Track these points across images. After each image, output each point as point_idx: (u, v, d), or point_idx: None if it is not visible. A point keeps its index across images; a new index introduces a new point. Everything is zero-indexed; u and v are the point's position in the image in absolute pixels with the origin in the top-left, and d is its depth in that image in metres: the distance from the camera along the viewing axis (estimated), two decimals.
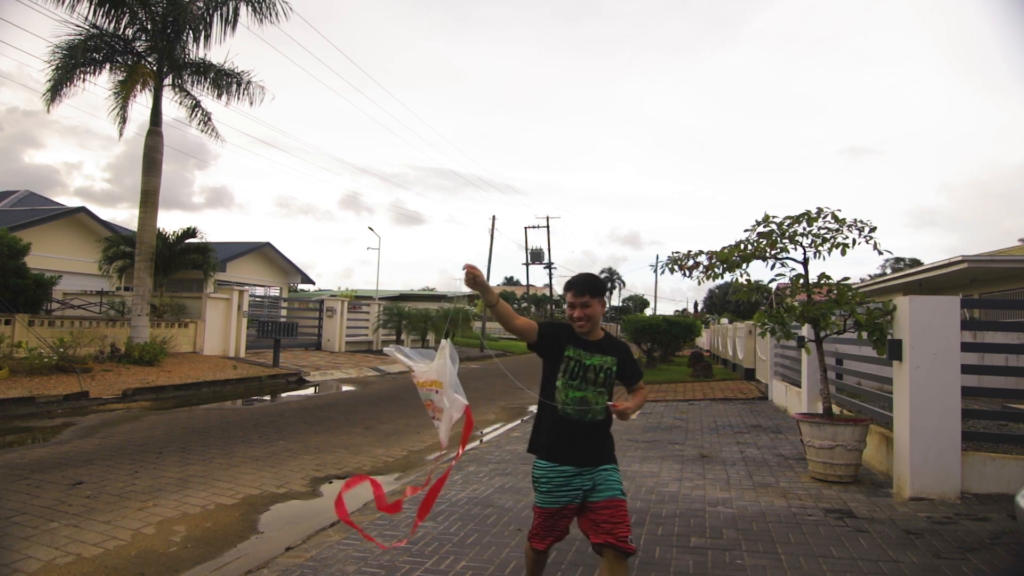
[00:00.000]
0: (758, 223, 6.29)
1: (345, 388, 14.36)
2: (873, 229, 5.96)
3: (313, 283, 39.13)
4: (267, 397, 12.77)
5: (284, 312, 24.00)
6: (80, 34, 14.42)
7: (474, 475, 6.00)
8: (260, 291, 30.01)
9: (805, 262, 6.11)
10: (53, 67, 14.40)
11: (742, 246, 6.28)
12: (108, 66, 15.19)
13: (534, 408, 12.47)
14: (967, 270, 12.77)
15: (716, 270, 6.42)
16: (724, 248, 6.38)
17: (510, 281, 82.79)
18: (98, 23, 14.40)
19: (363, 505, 5.13)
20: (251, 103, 16.33)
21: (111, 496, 5.23)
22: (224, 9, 14.86)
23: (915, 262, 47.67)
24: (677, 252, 6.75)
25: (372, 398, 12.39)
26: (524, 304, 55.42)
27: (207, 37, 14.96)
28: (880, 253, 6.07)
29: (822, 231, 6.02)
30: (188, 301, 18.41)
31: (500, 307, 2.54)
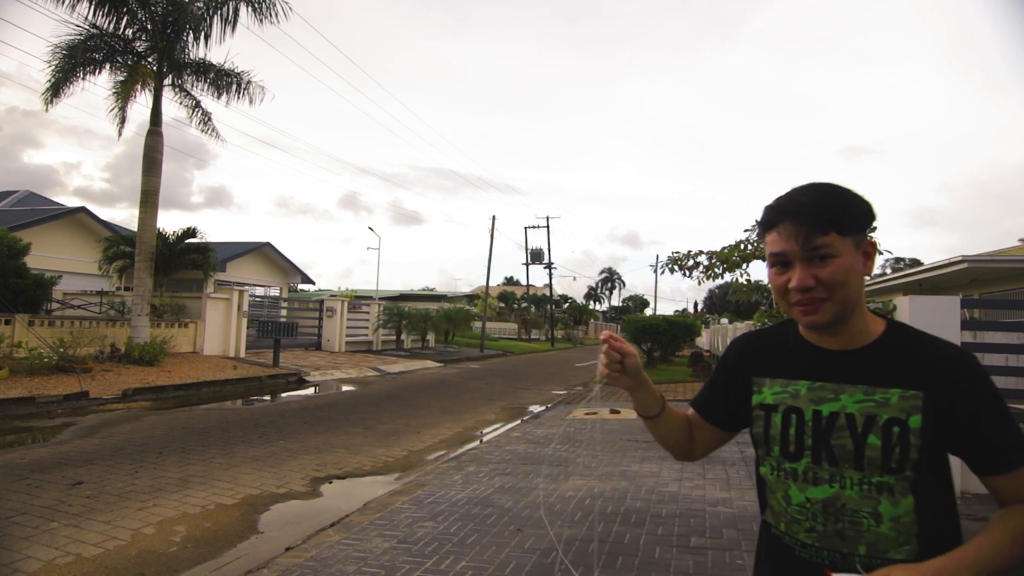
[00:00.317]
0: (758, 223, 6.30)
1: (345, 388, 14.36)
2: (873, 229, 5.96)
3: (313, 283, 39.15)
4: (267, 397, 12.77)
5: (284, 312, 23.99)
6: (80, 34, 14.42)
7: (474, 475, 6.00)
8: (260, 291, 30.01)
9: None
10: (53, 67, 14.41)
11: (742, 246, 6.29)
12: (108, 66, 15.18)
13: (534, 408, 12.35)
14: (967, 270, 12.77)
15: (716, 270, 6.44)
16: (724, 248, 6.39)
17: (510, 281, 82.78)
18: (98, 23, 14.40)
19: (363, 505, 5.14)
20: (251, 103, 16.33)
21: (111, 496, 5.23)
22: (224, 9, 14.86)
23: (915, 262, 47.68)
24: (677, 252, 6.78)
25: (372, 398, 12.40)
26: (524, 304, 55.44)
27: (207, 37, 14.96)
28: (880, 253, 6.08)
29: None
30: (188, 301, 18.41)
31: (667, 415, 1.38)
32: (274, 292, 32.36)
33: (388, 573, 3.56)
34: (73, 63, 14.42)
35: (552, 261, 49.59)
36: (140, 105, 22.71)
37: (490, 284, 38.47)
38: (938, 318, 5.17)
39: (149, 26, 14.92)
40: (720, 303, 63.93)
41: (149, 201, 15.11)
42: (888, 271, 34.30)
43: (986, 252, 14.39)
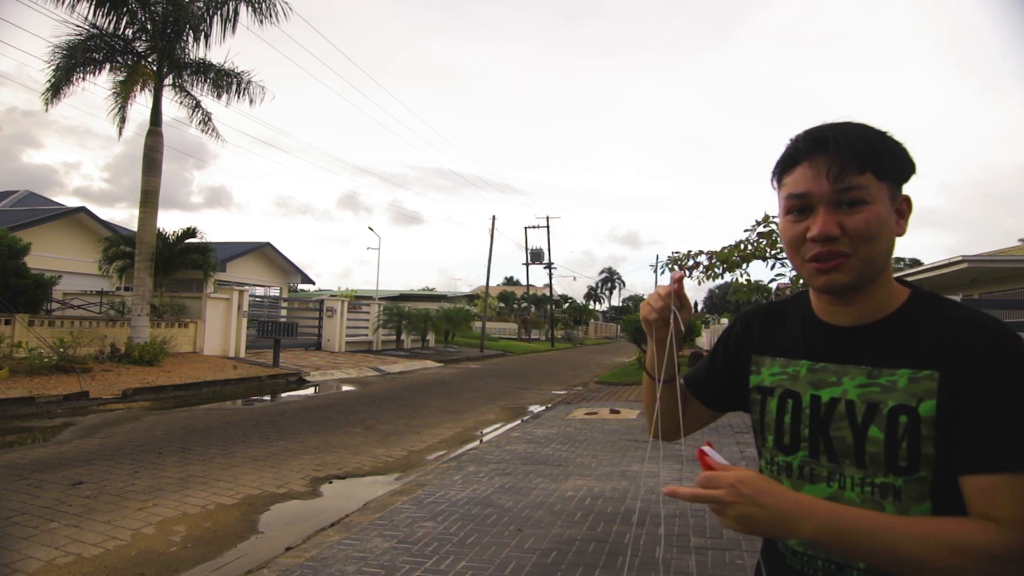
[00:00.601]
0: (758, 223, 6.30)
1: (345, 388, 14.36)
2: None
3: (313, 283, 39.14)
4: (267, 397, 12.77)
5: (284, 312, 23.99)
6: (80, 34, 14.42)
7: (474, 475, 6.00)
8: (260, 291, 30.00)
9: None
10: (53, 67, 14.42)
11: (742, 246, 6.29)
12: (108, 66, 15.19)
13: (534, 408, 12.37)
14: (967, 270, 12.77)
15: (716, 270, 6.44)
16: (724, 248, 6.39)
17: (510, 281, 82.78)
18: (98, 23, 14.40)
19: (363, 505, 5.14)
20: (251, 103, 16.33)
21: (111, 496, 5.23)
22: (224, 9, 14.86)
23: (915, 262, 47.67)
24: (677, 252, 6.78)
25: (372, 398, 12.39)
26: (524, 304, 55.43)
27: (207, 37, 14.97)
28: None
29: None
30: (188, 301, 18.41)
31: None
32: (274, 292, 32.35)
33: (388, 573, 3.56)
34: (73, 63, 14.42)
35: (552, 261, 49.60)
36: (140, 105, 22.76)
37: (490, 284, 38.47)
38: None
39: (149, 26, 14.92)
40: (720, 303, 63.96)
41: (149, 201, 15.11)
42: None
43: (986, 252, 14.39)
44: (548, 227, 47.57)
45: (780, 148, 1.00)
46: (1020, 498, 0.83)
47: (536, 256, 51.34)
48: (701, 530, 4.31)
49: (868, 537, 0.85)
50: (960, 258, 12.59)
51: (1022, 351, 0.88)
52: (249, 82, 16.18)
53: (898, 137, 0.95)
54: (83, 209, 25.06)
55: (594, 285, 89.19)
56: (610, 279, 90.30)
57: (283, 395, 13.00)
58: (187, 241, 19.90)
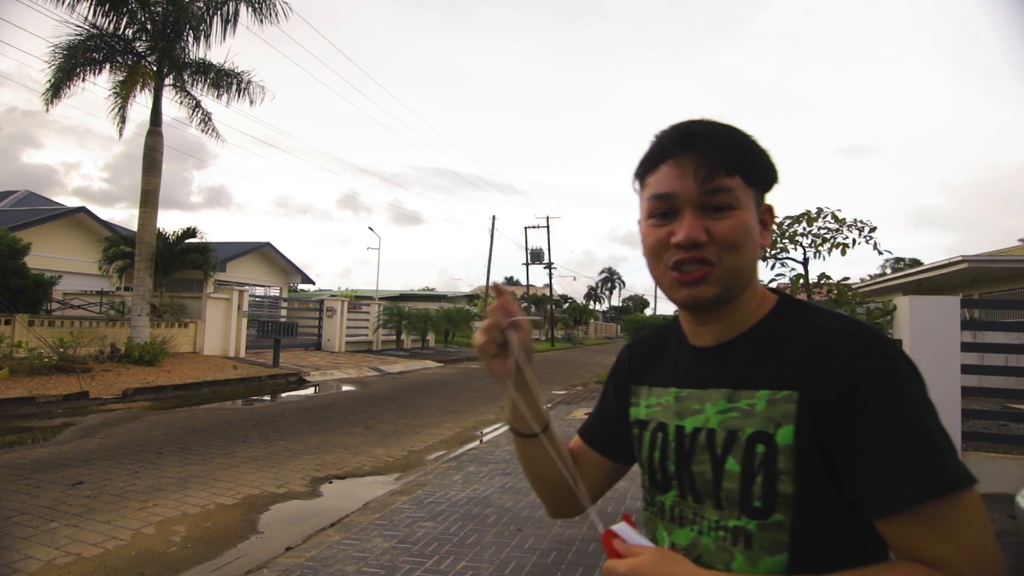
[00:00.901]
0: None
1: (345, 388, 14.36)
2: (873, 229, 5.97)
3: (313, 283, 39.15)
4: (267, 397, 12.77)
5: (284, 312, 23.99)
6: (80, 34, 14.42)
7: (474, 475, 6.00)
8: (260, 291, 30.01)
9: (805, 262, 6.12)
10: (53, 67, 14.42)
11: None
12: (108, 66, 15.19)
13: None
14: (967, 270, 12.77)
15: None
16: None
17: (510, 281, 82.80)
18: (98, 23, 14.41)
19: (363, 505, 5.14)
20: (251, 103, 16.34)
21: (111, 496, 5.23)
22: (224, 9, 14.86)
23: (915, 262, 47.66)
24: None
25: (372, 398, 12.40)
26: (524, 304, 55.46)
27: (207, 37, 14.97)
28: (880, 253, 6.09)
29: (822, 231, 6.03)
30: (188, 301, 18.41)
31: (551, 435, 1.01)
32: (274, 292, 32.35)
33: (388, 573, 3.56)
34: (73, 63, 14.42)
35: (552, 261, 49.62)
36: (140, 105, 22.77)
37: (490, 284, 38.47)
38: (938, 318, 5.18)
39: (149, 26, 14.92)
40: None
41: (149, 201, 15.11)
42: (888, 271, 34.32)
43: (986, 252, 14.39)
44: (548, 227, 47.60)
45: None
46: (947, 531, 0.70)
47: (536, 256, 51.35)
48: None
49: None
50: (960, 258, 12.59)
51: (898, 362, 0.76)
52: (249, 82, 16.19)
53: (763, 144, 0.88)
54: (83, 209, 25.07)
55: (594, 285, 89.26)
56: (610, 279, 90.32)
57: (283, 395, 13.00)
58: (187, 241, 19.90)
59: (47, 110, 14.88)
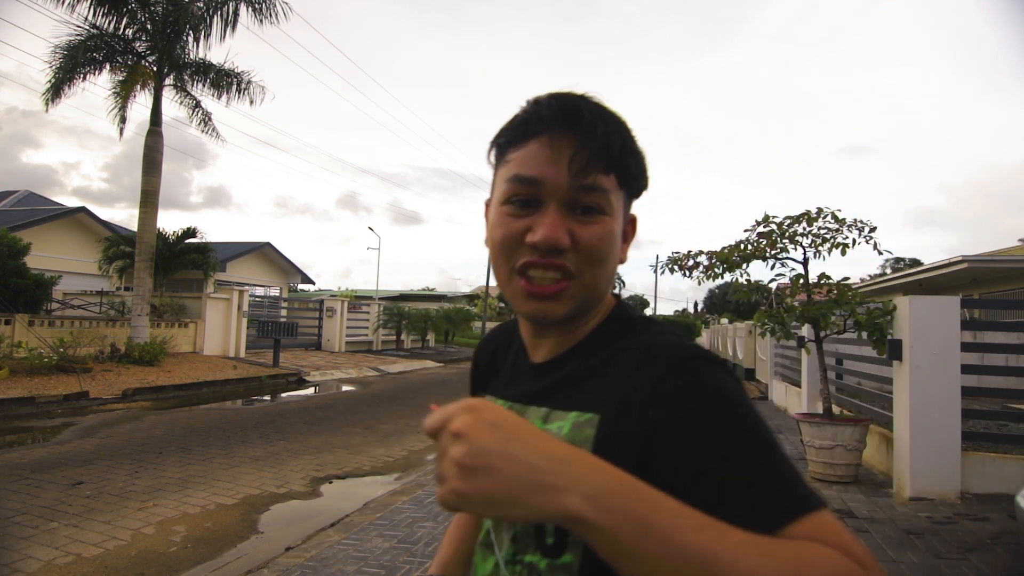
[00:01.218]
0: (758, 223, 6.30)
1: (345, 388, 14.36)
2: (873, 229, 5.97)
3: (313, 283, 39.15)
4: (267, 397, 12.77)
5: (284, 312, 23.99)
6: (80, 34, 14.42)
7: None
8: (260, 291, 30.01)
9: (805, 262, 6.12)
10: (53, 67, 14.42)
11: (742, 246, 6.29)
12: (108, 66, 15.19)
13: None
14: (967, 270, 12.78)
15: (716, 270, 6.43)
16: (724, 248, 6.38)
17: None
18: (98, 23, 14.41)
19: (363, 505, 5.14)
20: (251, 103, 16.33)
21: (111, 496, 5.23)
22: (224, 9, 14.86)
23: (915, 262, 47.66)
24: (677, 252, 6.76)
25: (372, 398, 12.40)
26: None
27: (207, 37, 14.96)
28: (880, 253, 6.08)
29: (822, 231, 6.02)
30: (188, 301, 18.41)
31: None
32: (274, 292, 32.36)
33: (388, 573, 3.56)
34: (73, 63, 14.42)
35: None
36: (140, 105, 22.67)
37: (490, 284, 38.47)
38: (938, 318, 5.18)
39: (149, 26, 14.92)
40: (720, 303, 63.94)
41: (149, 201, 15.11)
42: (888, 271, 34.33)
43: (986, 252, 14.40)
44: None
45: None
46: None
47: None
48: None
49: (678, 532, 0.49)
50: (960, 258, 12.59)
51: (723, 387, 0.63)
52: (249, 82, 16.19)
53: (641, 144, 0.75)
54: (83, 209, 25.08)
55: None
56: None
57: (283, 395, 13.00)
58: (187, 241, 19.90)
59: (47, 110, 14.89)
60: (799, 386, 9.69)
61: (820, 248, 6.01)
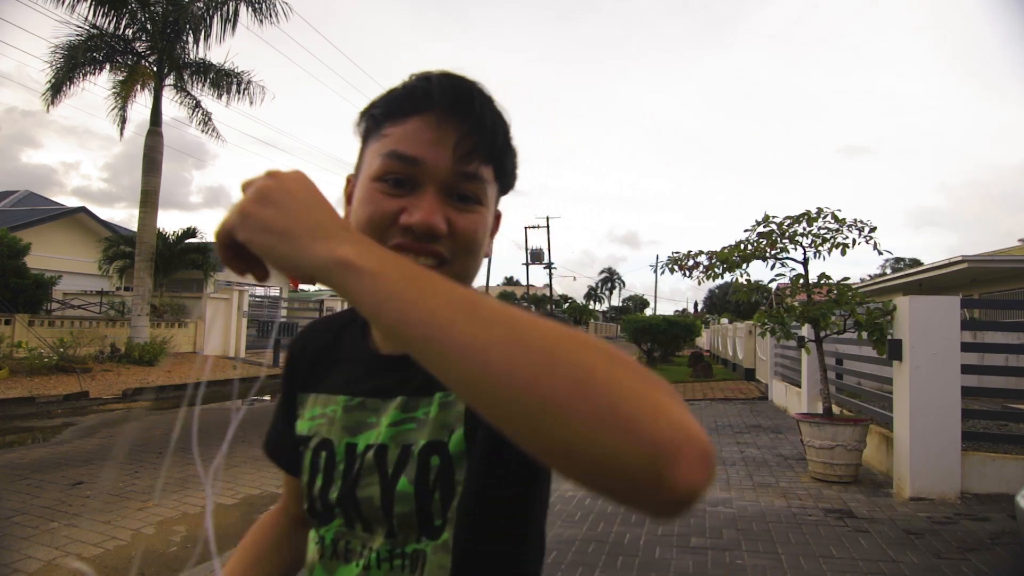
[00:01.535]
0: (758, 223, 6.30)
1: None
2: (873, 229, 5.97)
3: (313, 283, 39.09)
4: (267, 397, 12.77)
5: (284, 312, 24.01)
6: (80, 34, 14.43)
7: None
8: (260, 291, 30.02)
9: (805, 262, 6.12)
10: (53, 67, 14.43)
11: (742, 246, 6.29)
12: (108, 66, 15.20)
13: None
14: (967, 270, 12.78)
15: (716, 270, 6.43)
16: (724, 248, 6.38)
17: (510, 281, 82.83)
18: (98, 23, 14.42)
19: None
20: (251, 103, 16.35)
21: (111, 496, 5.23)
22: (224, 9, 14.87)
23: (915, 262, 47.66)
24: (677, 252, 6.76)
25: None
26: (524, 304, 55.32)
27: (207, 37, 14.98)
28: (880, 253, 6.08)
29: (822, 231, 6.02)
30: (188, 301, 18.42)
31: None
32: (274, 292, 32.36)
33: None
34: (73, 63, 14.43)
35: (552, 261, 49.64)
36: (140, 105, 22.69)
37: (490, 284, 38.48)
38: (938, 318, 5.17)
39: (149, 26, 14.93)
40: (720, 303, 63.96)
41: (149, 201, 15.12)
42: (888, 271, 34.34)
43: (986, 252, 14.39)
44: (548, 227, 47.61)
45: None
46: None
47: (536, 256, 51.37)
48: (701, 530, 4.32)
49: (441, 282, 0.47)
50: (960, 258, 12.59)
51: None
52: (249, 82, 16.19)
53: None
54: (83, 209, 25.09)
55: (594, 285, 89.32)
56: (610, 279, 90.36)
57: None
58: (187, 241, 19.92)
59: (47, 110, 14.91)
60: (799, 386, 9.69)
61: (820, 248, 6.01)
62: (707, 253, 6.51)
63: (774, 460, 6.65)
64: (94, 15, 14.17)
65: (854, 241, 5.96)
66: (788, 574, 3.54)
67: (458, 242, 0.67)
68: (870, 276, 27.41)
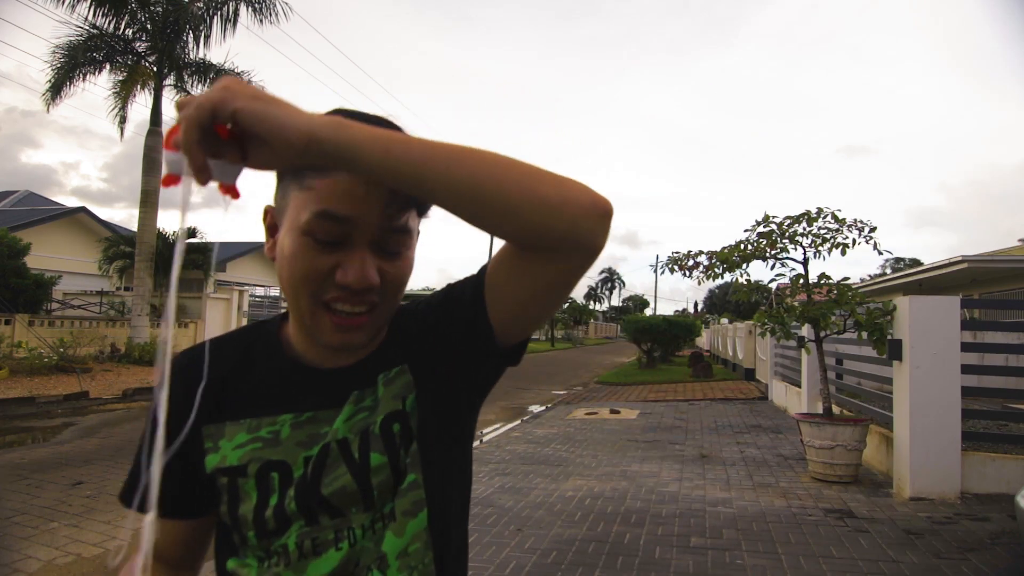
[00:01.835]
0: (758, 223, 6.30)
1: None
2: (873, 229, 5.97)
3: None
4: None
5: (284, 312, 24.02)
6: (80, 34, 14.43)
7: (474, 475, 5.99)
8: (260, 291, 30.01)
9: (805, 262, 6.12)
10: (53, 67, 14.43)
11: (742, 246, 6.29)
12: (108, 66, 15.20)
13: (534, 408, 12.21)
14: (967, 270, 12.78)
15: (716, 270, 6.42)
16: (724, 248, 6.38)
17: None
18: (98, 23, 14.42)
19: None
20: None
21: (111, 496, 5.23)
22: (224, 9, 14.88)
23: (915, 262, 47.65)
24: (677, 252, 6.76)
25: None
26: None
27: (207, 37, 14.99)
28: (880, 253, 6.08)
29: (822, 231, 6.02)
30: (188, 301, 18.42)
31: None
32: (274, 292, 32.36)
33: None
34: (73, 63, 14.43)
35: None
36: (140, 105, 22.75)
37: None
38: (938, 318, 5.17)
39: (149, 26, 14.93)
40: (720, 303, 63.97)
41: (149, 201, 15.12)
42: (888, 271, 34.34)
43: (986, 252, 14.39)
44: None
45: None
46: None
47: None
48: (701, 530, 4.32)
49: (420, 146, 0.61)
50: (960, 258, 12.59)
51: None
52: (249, 82, 16.18)
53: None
54: (83, 209, 25.10)
55: (594, 285, 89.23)
56: (610, 279, 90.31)
57: None
58: (187, 241, 19.92)
59: (47, 110, 14.91)
60: (799, 386, 9.69)
61: (820, 248, 6.01)
62: (707, 253, 6.51)
63: (774, 460, 6.65)
64: (94, 15, 14.18)
65: (854, 241, 5.96)
66: (788, 574, 3.54)
67: (388, 288, 0.73)
68: (870, 276, 27.41)
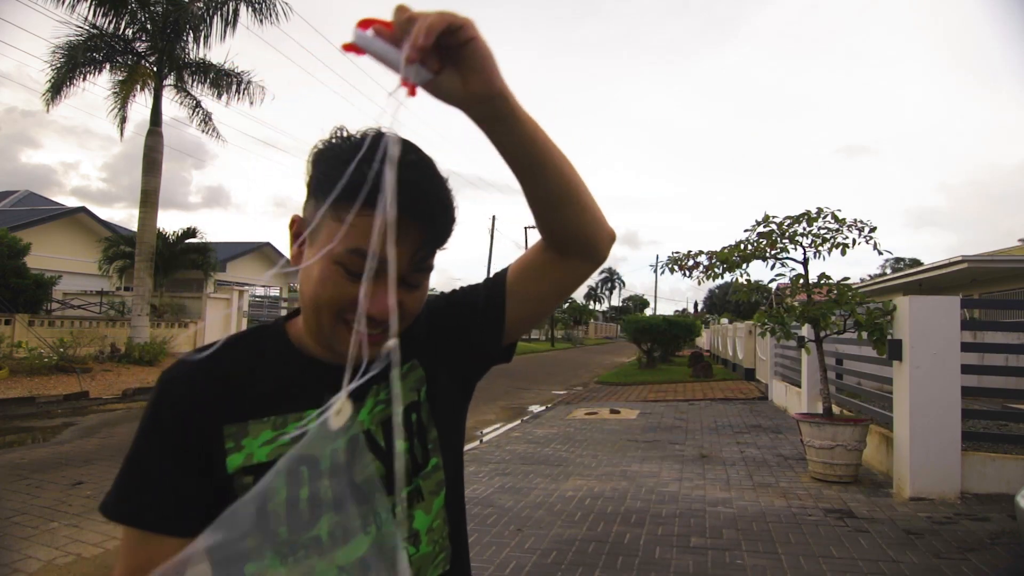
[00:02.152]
0: (758, 223, 6.30)
1: None
2: (873, 229, 5.97)
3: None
4: None
5: (284, 312, 24.00)
6: (80, 34, 14.43)
7: (474, 475, 6.00)
8: (260, 291, 30.01)
9: (805, 262, 6.12)
10: (53, 67, 14.43)
11: (742, 246, 6.29)
12: (108, 66, 15.20)
13: (534, 408, 12.22)
14: (967, 270, 12.78)
15: (716, 270, 6.43)
16: (724, 248, 6.38)
17: None
18: (98, 23, 14.42)
19: None
20: (251, 103, 16.34)
21: None
22: (224, 9, 14.87)
23: (915, 262, 47.64)
24: (677, 252, 6.76)
25: None
26: None
27: (207, 37, 14.98)
28: (880, 253, 6.08)
29: (822, 231, 6.02)
30: (188, 301, 18.43)
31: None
32: (274, 292, 32.37)
33: None
34: (73, 63, 14.43)
35: None
36: (140, 105, 22.72)
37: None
38: (938, 318, 5.18)
39: (149, 26, 14.93)
40: (720, 303, 63.95)
41: (149, 201, 15.12)
42: (888, 271, 34.32)
43: (986, 252, 14.39)
44: None
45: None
46: None
47: None
48: (701, 530, 4.32)
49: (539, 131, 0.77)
50: (960, 258, 12.59)
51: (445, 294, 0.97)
52: (249, 82, 16.19)
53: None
54: (83, 209, 25.10)
55: (594, 285, 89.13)
56: (610, 279, 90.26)
57: None
58: (187, 241, 19.91)
59: (47, 110, 14.91)
60: (799, 386, 9.69)
61: (820, 248, 6.01)
62: (707, 253, 6.51)
63: (774, 460, 6.65)
64: (94, 15, 14.18)
65: (854, 241, 5.96)
66: (788, 574, 3.54)
67: (405, 315, 0.78)
68: (870, 276, 27.41)
